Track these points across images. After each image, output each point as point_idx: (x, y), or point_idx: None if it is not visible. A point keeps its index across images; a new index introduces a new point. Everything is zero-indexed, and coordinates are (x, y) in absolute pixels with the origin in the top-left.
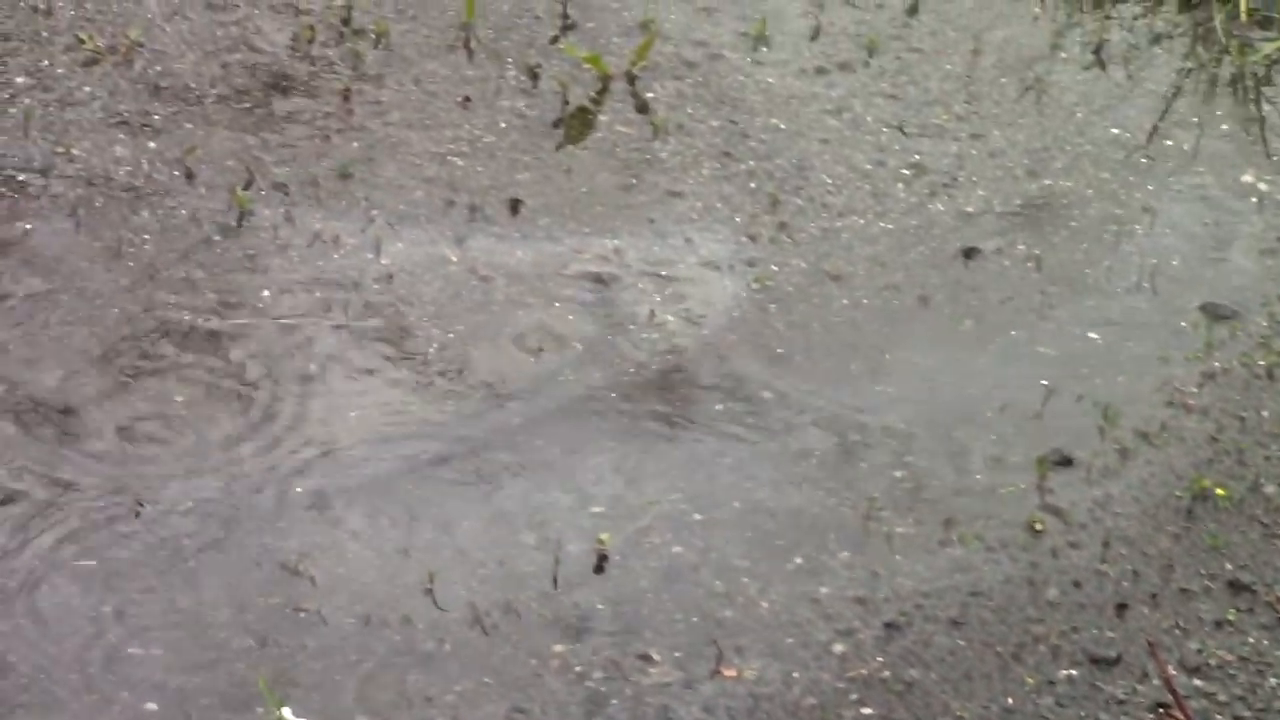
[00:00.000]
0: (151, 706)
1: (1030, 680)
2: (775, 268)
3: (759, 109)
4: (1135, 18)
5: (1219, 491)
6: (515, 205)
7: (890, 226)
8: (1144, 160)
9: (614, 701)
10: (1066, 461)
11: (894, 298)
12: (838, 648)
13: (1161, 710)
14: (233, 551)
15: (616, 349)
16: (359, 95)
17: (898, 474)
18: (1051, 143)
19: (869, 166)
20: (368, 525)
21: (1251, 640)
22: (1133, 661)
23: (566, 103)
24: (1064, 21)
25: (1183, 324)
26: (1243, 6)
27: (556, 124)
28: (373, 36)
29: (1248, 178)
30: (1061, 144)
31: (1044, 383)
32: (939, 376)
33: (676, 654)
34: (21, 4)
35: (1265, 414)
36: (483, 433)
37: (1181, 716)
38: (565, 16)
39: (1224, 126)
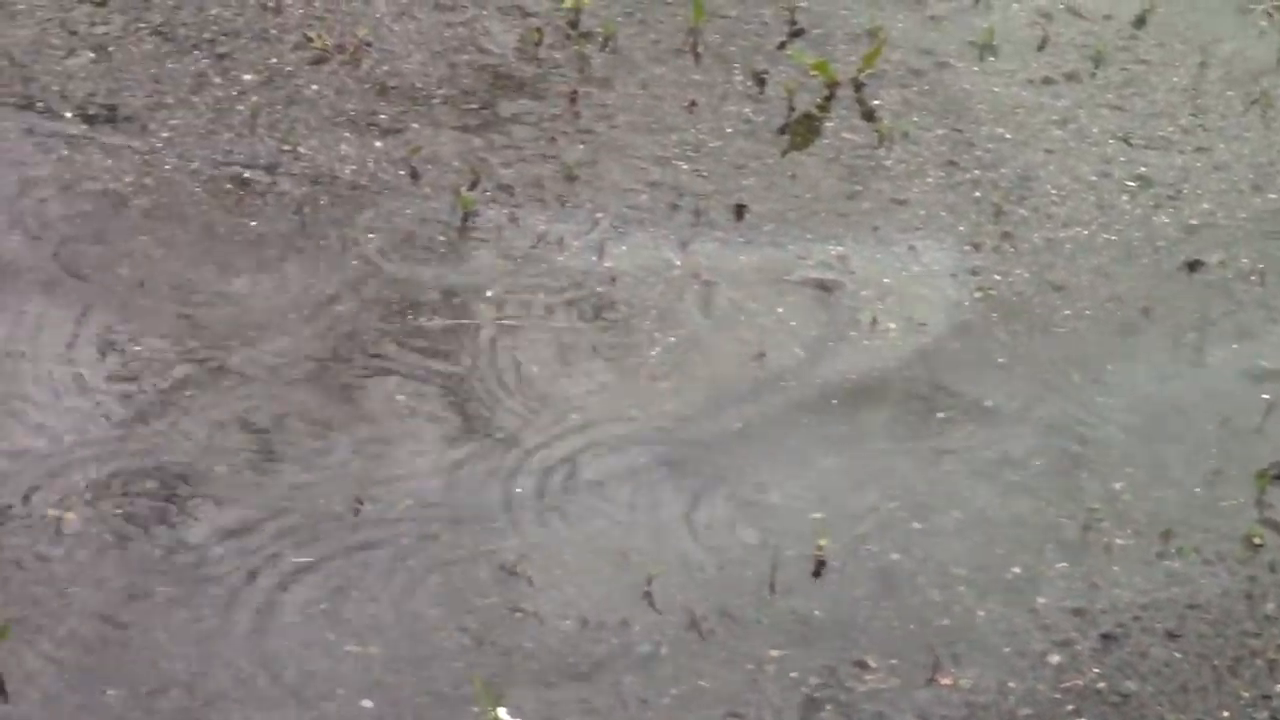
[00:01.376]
0: (367, 704)
1: (1246, 694)
2: (998, 277)
3: (984, 118)
4: None
5: None
6: (740, 210)
7: (1114, 238)
8: None
9: (829, 707)
10: None
11: (1117, 309)
12: (1054, 658)
13: None
14: (451, 551)
15: (838, 355)
16: (586, 98)
17: (1117, 485)
18: (1277, 156)
19: (1094, 177)
20: (587, 527)
21: None
22: None
23: (793, 109)
24: None
25: None
26: None
27: (782, 130)
28: (600, 39)
29: None
30: None
31: (1265, 397)
32: (1160, 388)
33: (893, 661)
34: (251, 1)
35: None
36: (703, 436)
37: None
38: (793, 22)
39: None
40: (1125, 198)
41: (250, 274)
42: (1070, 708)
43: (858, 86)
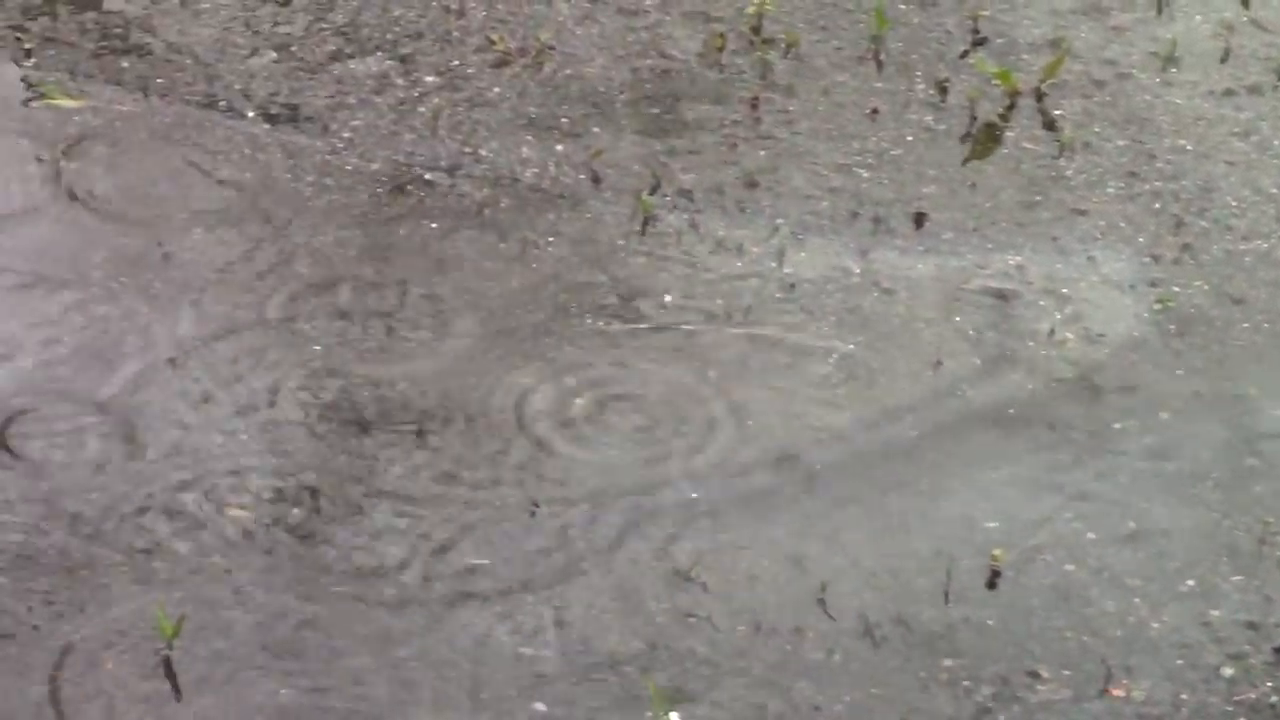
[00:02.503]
0: (540, 707)
1: None
2: (1177, 289)
3: (1166, 129)
4: None
5: None
6: (919, 218)
7: None
8: None
9: (1001, 717)
10: None
11: None
12: (1227, 671)
13: None
14: (626, 555)
15: (1015, 365)
16: (767, 104)
17: None
18: None
19: (1275, 190)
20: (762, 533)
21: None
22: None
23: (974, 117)
24: None
25: None
26: None
27: (963, 138)
28: (783, 46)
29: None
30: None
31: None
32: None
33: (1065, 672)
34: (434, 4)
35: None
36: (879, 444)
37: None
38: (976, 31)
39: None
40: None
41: (426, 276)
42: None
43: (1039, 96)
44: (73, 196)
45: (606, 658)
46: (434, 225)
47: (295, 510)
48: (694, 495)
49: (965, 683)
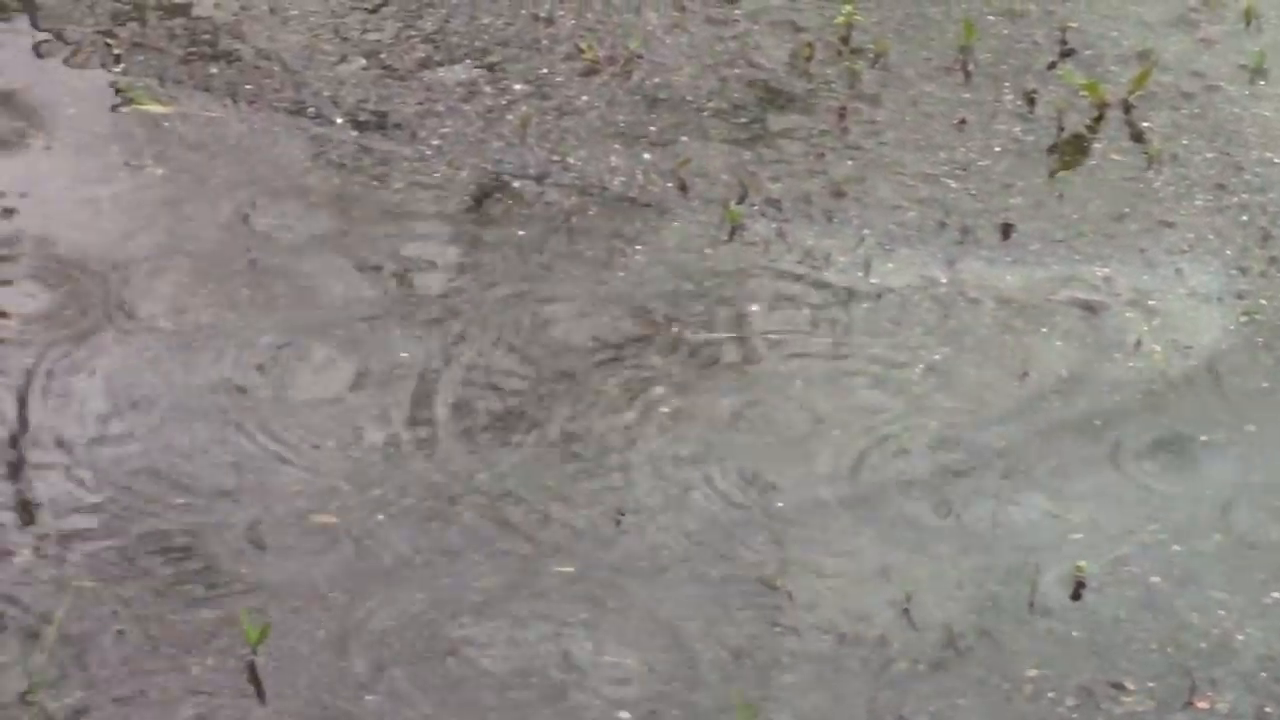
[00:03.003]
0: (624, 715)
1: None
2: (1264, 301)
3: (1254, 142)
4: None
5: None
6: (1006, 229)
7: None
8: None
9: None
10: None
11: None
12: None
13: None
14: (712, 564)
15: (1102, 376)
16: (855, 114)
17: None
18: None
19: None
20: (846, 542)
21: None
22: None
23: (1062, 129)
24: None
25: None
26: None
27: (1051, 150)
28: (871, 56)
29: None
30: None
31: None
32: None
33: (1150, 684)
34: (523, 11)
35: None
36: (965, 455)
37: None
38: (1064, 43)
39: None
40: None
41: (515, 283)
42: None
43: (1127, 108)
44: (161, 202)
45: (692, 667)
46: (521, 233)
47: (379, 516)
48: (779, 505)
49: (1049, 694)
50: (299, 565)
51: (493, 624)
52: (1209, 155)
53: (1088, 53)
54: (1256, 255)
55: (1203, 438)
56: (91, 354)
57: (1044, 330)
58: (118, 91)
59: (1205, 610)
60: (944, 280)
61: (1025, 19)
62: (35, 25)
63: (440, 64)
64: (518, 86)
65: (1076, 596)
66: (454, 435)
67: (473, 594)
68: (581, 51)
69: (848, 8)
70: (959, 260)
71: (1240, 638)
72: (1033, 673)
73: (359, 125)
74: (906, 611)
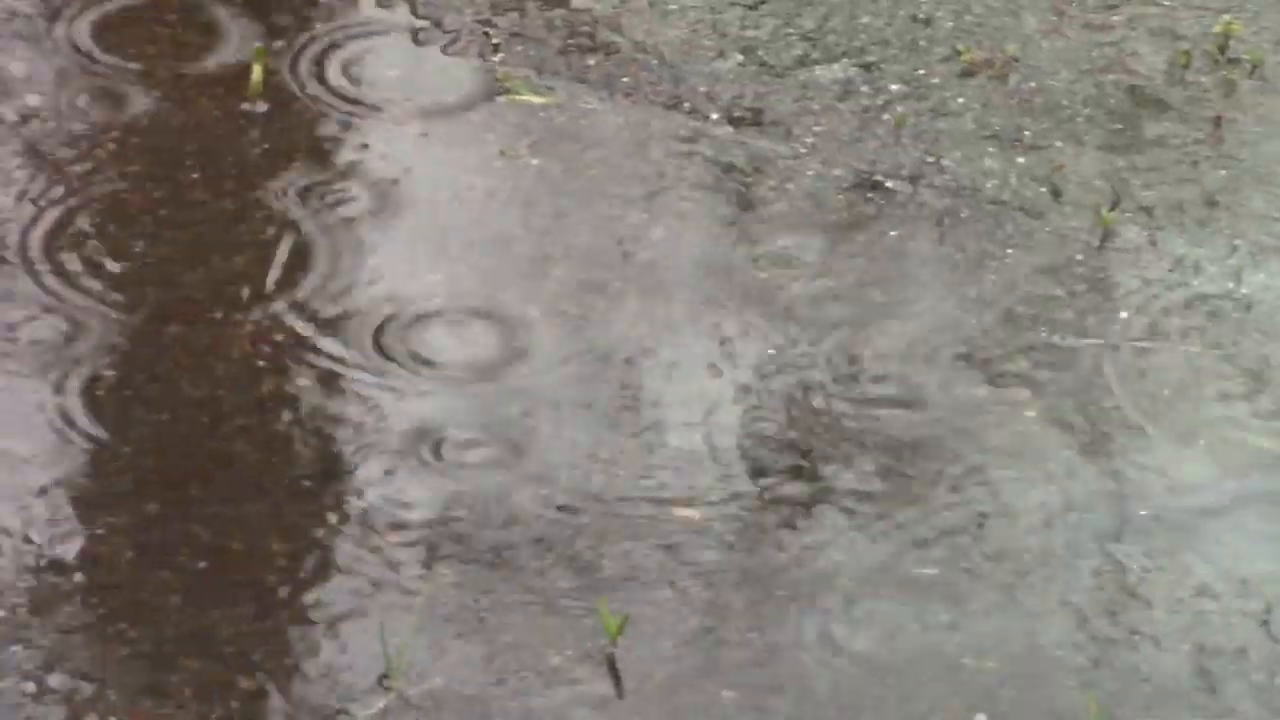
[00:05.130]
0: (980, 718)
1: None
2: None
3: None
4: None
5: None
6: None
7: None
8: None
9: None
10: None
11: None
12: None
13: None
14: (1072, 569)
15: None
16: (1230, 124)
17: None
18: None
19: None
20: (1206, 552)
21: None
22: None
23: None
24: None
25: None
26: None
27: None
28: (1248, 66)
29: None
30: None
31: None
32: None
33: None
34: (901, 12)
35: None
36: None
37: None
38: None
39: None
40: None
41: (885, 284)
42: None
43: None
44: (536, 192)
45: (1049, 672)
46: (894, 233)
47: (744, 512)
48: (1141, 512)
49: None
50: (660, 559)
51: (848, 624)
52: None
53: None
54: None
55: None
56: None
57: None
58: (495, 81)
59: None
60: None
61: None
62: (415, 13)
63: (817, 62)
64: (894, 87)
65: None
66: (812, 430)
67: (836, 593)
68: (959, 54)
69: (1226, 16)
70: None
71: None
72: None
73: (734, 121)
74: (1266, 624)
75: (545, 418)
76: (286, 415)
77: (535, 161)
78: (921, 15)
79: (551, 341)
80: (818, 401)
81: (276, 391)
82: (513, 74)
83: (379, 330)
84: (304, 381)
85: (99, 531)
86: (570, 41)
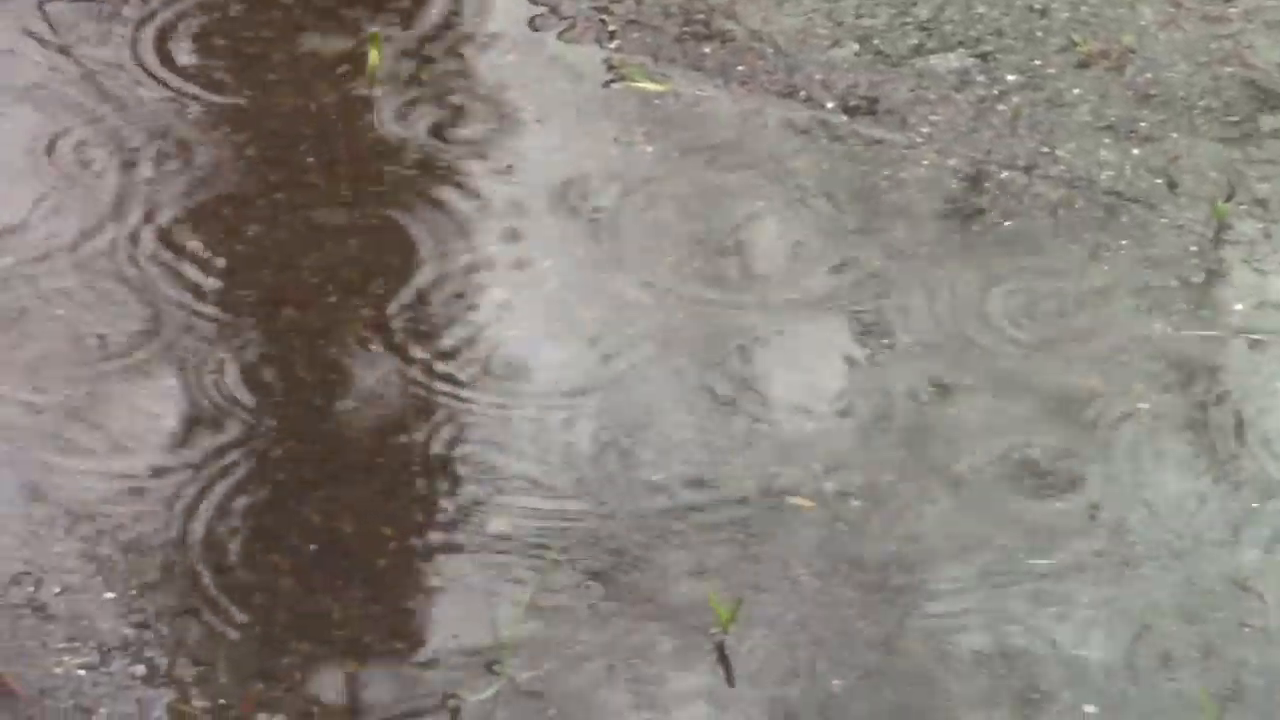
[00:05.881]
0: (1090, 709)
1: None
2: None
3: None
4: None
5: None
6: None
7: None
8: None
9: None
10: None
11: None
12: None
13: None
14: (1188, 564)
15: None
16: None
17: None
18: None
19: None
20: None
21: None
22: None
23: None
24: None
25: None
26: None
27: None
28: None
29: None
30: None
31: None
32: None
33: None
34: (1017, 2)
35: None
36: None
37: None
38: None
39: None
40: None
41: (999, 275)
42: None
43: None
44: (650, 179)
45: (1161, 664)
46: (1007, 224)
47: (855, 503)
48: (1253, 505)
49: None
50: (773, 548)
51: (959, 615)
52: None
53: None
54: None
55: None
56: None
57: None
58: (610, 68)
59: None
60: None
61: None
62: None
63: (933, 52)
64: (1010, 77)
65: None
66: (927, 419)
67: (947, 584)
68: (1075, 44)
69: None
70: None
71: None
72: None
73: (849, 110)
74: None
75: (658, 404)
76: (398, 400)
77: (650, 149)
78: (1038, 6)
79: (664, 327)
80: (931, 391)
81: (388, 376)
82: (628, 61)
83: (491, 317)
84: (416, 367)
85: (210, 514)
86: (686, 29)
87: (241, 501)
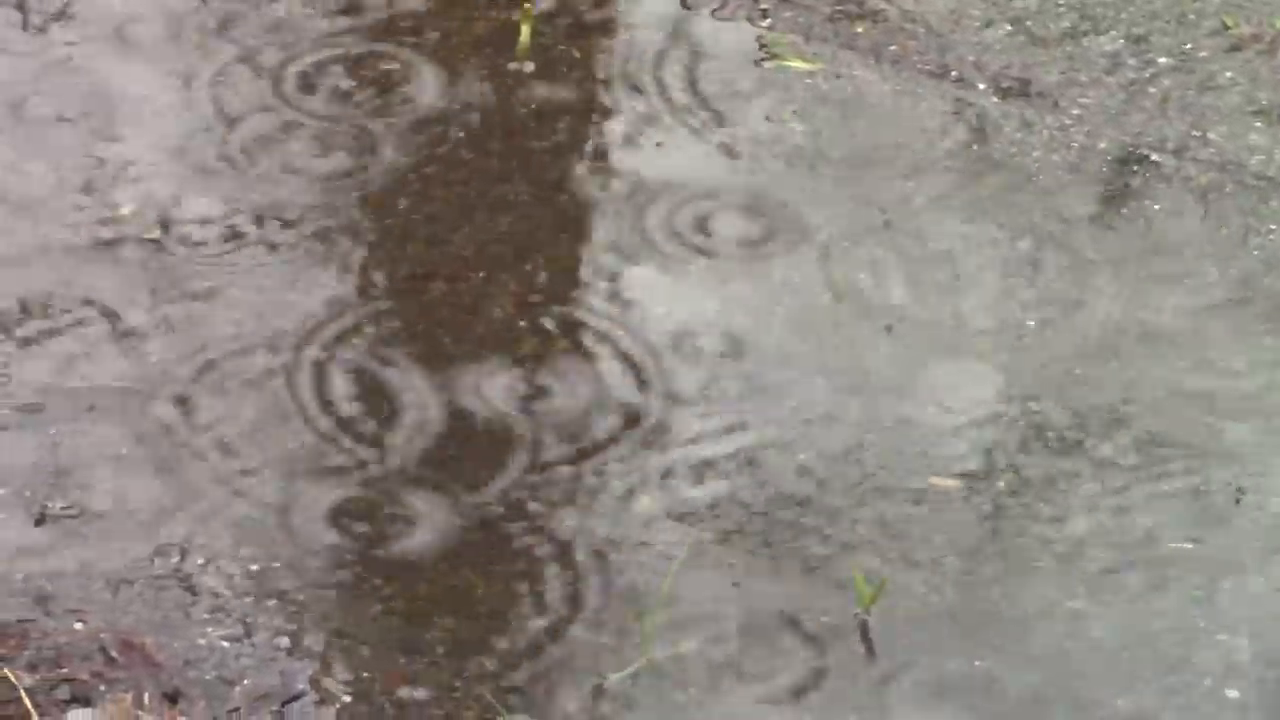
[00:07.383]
0: (1232, 694)
1: None
2: None
3: None
4: None
5: None
6: None
7: None
8: None
9: None
10: None
11: None
12: None
13: None
14: None
15: None
16: None
17: None
18: None
19: None
20: None
21: None
22: None
23: None
24: None
25: None
26: None
27: None
28: None
29: None
30: None
31: None
32: None
33: None
34: None
35: None
36: None
37: None
38: None
39: None
40: None
41: (1148, 258)
42: None
43: None
44: (798, 157)
45: None
46: (1156, 207)
47: (999, 484)
48: None
49: None
50: (916, 528)
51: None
52: None
53: None
54: None
55: None
56: None
57: None
58: (762, 46)
59: None
60: None
61: None
62: None
63: (1085, 34)
64: (1161, 60)
65: None
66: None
67: (1090, 565)
68: (1227, 28)
69: None
70: None
71: None
72: None
73: (1001, 91)
74: None
75: (803, 386)
76: (545, 377)
77: (800, 127)
78: None
79: (811, 308)
80: (1076, 372)
81: (536, 352)
82: (780, 40)
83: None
84: (564, 344)
85: (354, 490)
86: (838, 8)
87: (383, 477)
